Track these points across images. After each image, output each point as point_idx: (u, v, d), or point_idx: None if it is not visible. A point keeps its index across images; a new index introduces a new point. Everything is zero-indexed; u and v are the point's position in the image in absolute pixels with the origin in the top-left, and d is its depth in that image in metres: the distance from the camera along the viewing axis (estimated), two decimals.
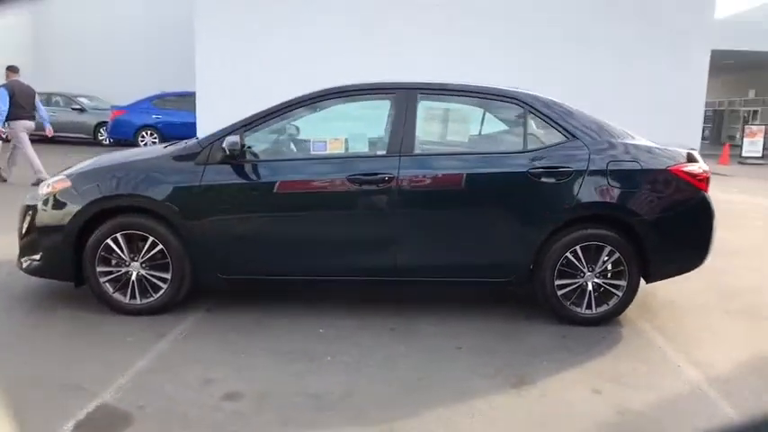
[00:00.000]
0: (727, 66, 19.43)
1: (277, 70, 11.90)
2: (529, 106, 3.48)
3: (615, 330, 3.45)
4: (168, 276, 3.38)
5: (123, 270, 3.40)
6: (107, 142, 14.63)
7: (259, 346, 3.11)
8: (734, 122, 24.97)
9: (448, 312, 3.62)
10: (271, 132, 3.56)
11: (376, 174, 3.30)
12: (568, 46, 11.53)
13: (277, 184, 3.33)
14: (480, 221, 3.41)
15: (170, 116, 13.45)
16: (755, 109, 23.31)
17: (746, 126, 18.13)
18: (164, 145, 3.97)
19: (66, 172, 3.54)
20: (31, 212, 3.53)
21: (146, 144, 13.39)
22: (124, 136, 13.62)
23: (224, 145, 3.24)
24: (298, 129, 3.63)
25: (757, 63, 19.74)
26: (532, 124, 3.49)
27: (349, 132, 3.54)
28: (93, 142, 14.77)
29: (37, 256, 3.48)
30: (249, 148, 3.36)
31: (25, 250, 3.56)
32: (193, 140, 3.51)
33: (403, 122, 3.38)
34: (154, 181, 3.34)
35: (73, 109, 14.82)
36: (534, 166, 3.34)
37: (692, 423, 2.48)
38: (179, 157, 3.40)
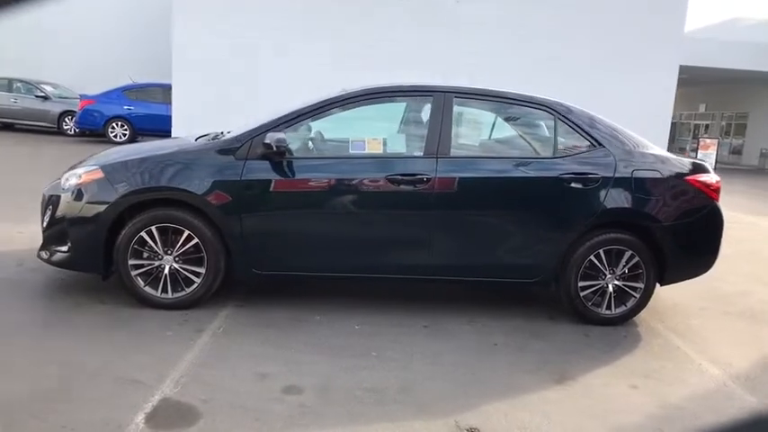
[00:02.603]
0: (680, 80, 20.44)
1: (256, 63, 11.77)
2: (558, 113, 3.63)
3: (633, 330, 3.64)
4: (202, 271, 3.36)
5: (156, 263, 3.35)
6: (72, 132, 14.12)
7: (300, 341, 3.13)
8: (684, 134, 26.24)
9: (475, 311, 3.72)
10: (308, 130, 3.58)
11: (414, 174, 3.37)
12: (539, 64, 11.75)
13: (318, 181, 3.36)
14: (512, 224, 3.53)
15: (142, 108, 13.08)
16: (706, 123, 24.58)
17: (701, 138, 19.12)
18: (194, 137, 3.93)
19: (96, 162, 3.45)
20: (55, 203, 3.44)
21: (115, 136, 13.01)
22: (93, 126, 13.17)
23: (269, 141, 3.24)
24: (333, 128, 3.65)
25: (708, 79, 20.80)
26: (561, 131, 3.64)
27: (385, 133, 3.60)
28: (56, 132, 14.22)
29: (64, 248, 3.39)
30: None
31: (50, 241, 3.46)
32: (232, 134, 3.48)
33: (439, 125, 3.47)
34: (193, 174, 3.31)
35: (36, 96, 14.21)
36: (565, 171, 3.49)
37: (728, 416, 2.67)
38: (219, 152, 3.37)
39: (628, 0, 12.04)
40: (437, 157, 3.42)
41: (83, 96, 13.26)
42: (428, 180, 3.37)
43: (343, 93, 3.54)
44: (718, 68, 17.98)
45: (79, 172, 3.42)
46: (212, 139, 3.73)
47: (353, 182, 3.38)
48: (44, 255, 3.49)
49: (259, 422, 2.33)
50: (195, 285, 3.38)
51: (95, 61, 16.32)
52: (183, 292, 3.38)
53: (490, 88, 3.67)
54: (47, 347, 2.88)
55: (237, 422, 2.32)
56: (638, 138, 3.76)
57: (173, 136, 11.43)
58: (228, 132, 4.06)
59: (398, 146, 3.57)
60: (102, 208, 3.29)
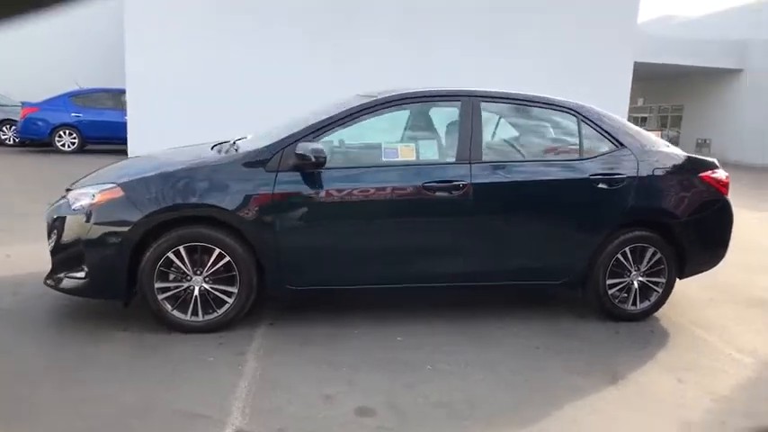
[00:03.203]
0: None
1: (214, 67, 11.38)
2: (581, 115, 3.68)
3: (657, 325, 3.74)
4: (234, 290, 3.20)
5: (185, 285, 3.17)
6: (12, 142, 13.23)
7: (348, 357, 3.03)
8: None
9: (500, 315, 3.73)
10: (338, 138, 3.47)
11: (451, 181, 3.34)
12: (493, 54, 11.90)
13: (353, 191, 3.27)
14: (544, 226, 3.56)
15: (92, 114, 12.40)
16: (644, 116, 25.78)
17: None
18: (209, 146, 3.74)
19: (113, 180, 3.22)
20: (61, 226, 3.20)
21: (63, 145, 12.29)
22: (37, 136, 12.37)
23: (302, 151, 3.12)
24: (361, 135, 3.56)
25: (646, 74, 21.82)
26: (584, 132, 3.69)
27: (414, 139, 3.54)
28: None
29: (80, 274, 3.15)
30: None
31: (61, 267, 3.21)
32: (260, 146, 3.33)
33: (470, 130, 3.45)
34: (223, 189, 3.15)
35: None
36: (593, 172, 3.54)
37: None
38: (248, 164, 3.22)
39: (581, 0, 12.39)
40: (470, 163, 3.40)
41: (25, 104, 12.43)
42: (464, 186, 3.34)
43: (371, 99, 3.45)
44: (656, 64, 18.87)
45: (92, 191, 3.18)
46: (228, 149, 3.59)
47: (389, 191, 3.31)
48: (53, 282, 3.24)
49: None
50: (227, 306, 3.21)
51: (37, 65, 15.35)
52: (215, 314, 3.21)
53: (513, 91, 3.68)
54: (79, 385, 2.65)
55: None
56: (653, 136, 3.87)
57: (130, 152, 10.94)
58: (237, 141, 3.95)
59: (430, 152, 3.52)
60: (124, 229, 3.07)
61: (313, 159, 3.10)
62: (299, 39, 11.53)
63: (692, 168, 3.80)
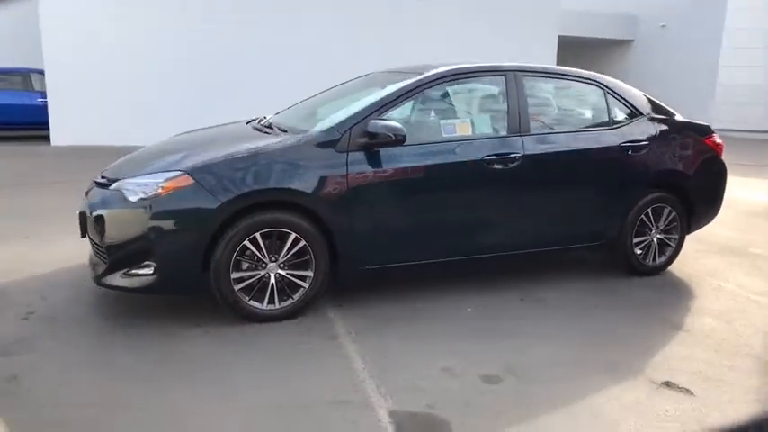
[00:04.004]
0: None
1: (144, 49, 10.57)
2: (605, 86, 3.94)
3: (677, 278, 4.12)
4: (310, 274, 3.13)
5: (261, 273, 3.05)
6: None
7: (439, 330, 3.12)
8: None
9: (549, 279, 3.92)
10: (399, 115, 3.45)
11: (507, 154, 3.46)
12: (411, 31, 11.93)
13: (423, 167, 3.29)
14: (587, 193, 3.80)
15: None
16: None
17: None
18: (244, 122, 3.58)
19: (179, 167, 3.00)
20: (121, 219, 2.96)
21: None
22: None
23: (376, 130, 3.09)
24: (420, 112, 3.56)
25: (565, 46, 23.06)
26: (611, 103, 3.95)
27: (466, 114, 3.61)
28: None
29: (147, 270, 2.93)
30: None
31: (119, 265, 2.97)
32: (326, 126, 3.24)
33: (517, 103, 3.58)
34: (297, 172, 3.05)
35: None
36: (623, 140, 3.82)
37: None
38: (319, 145, 3.13)
39: None
40: (521, 135, 3.53)
41: None
42: (518, 158, 3.47)
43: (423, 77, 3.46)
44: (575, 36, 20.00)
45: (156, 181, 2.95)
46: (258, 124, 3.64)
47: (454, 165, 3.37)
48: (112, 281, 2.99)
49: (499, 419, 2.33)
50: (302, 291, 3.14)
51: None
52: (290, 301, 3.13)
53: (547, 65, 3.84)
54: (200, 386, 2.51)
55: (489, 425, 2.30)
56: (664, 105, 4.21)
57: (54, 140, 9.96)
58: (267, 118, 3.87)
59: (484, 127, 3.60)
60: (200, 218, 2.90)
61: (393, 137, 3.08)
62: (226, 24, 10.89)
63: (697, 133, 4.19)
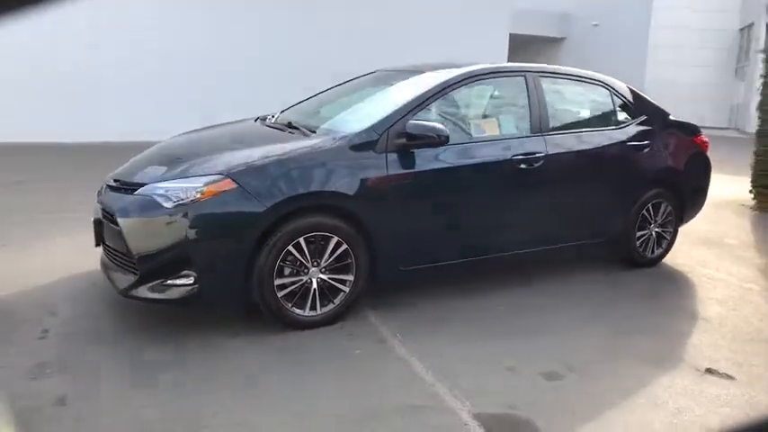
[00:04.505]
0: None
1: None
2: (611, 88, 4.09)
3: (673, 270, 4.36)
4: (351, 278, 3.08)
5: (303, 279, 2.96)
6: None
7: (485, 330, 3.15)
8: None
9: (562, 275, 4.04)
10: (431, 115, 3.43)
11: (533, 153, 3.53)
12: (368, 37, 11.78)
13: (458, 167, 3.30)
14: (600, 190, 3.94)
15: None
16: None
17: None
18: (254, 119, 3.48)
19: (219, 170, 2.85)
20: (152, 226, 2.79)
21: None
22: None
23: (417, 131, 3.07)
24: (454, 112, 3.55)
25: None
26: (616, 103, 4.11)
27: (492, 114, 3.65)
28: None
29: (185, 280, 2.78)
30: None
31: (152, 276, 2.80)
32: (363, 126, 3.17)
33: (537, 104, 3.66)
34: (339, 174, 2.98)
35: None
36: (630, 139, 3.99)
37: None
38: (357, 146, 3.07)
39: None
40: (543, 135, 3.61)
41: None
42: (541, 157, 3.55)
43: (449, 78, 3.47)
44: (512, 34, 20.50)
45: (193, 185, 2.79)
46: (275, 123, 3.64)
47: (487, 165, 3.41)
48: (144, 293, 2.81)
49: (575, 415, 2.39)
50: (343, 295, 3.08)
51: None
52: (332, 306, 3.06)
53: (557, 67, 3.94)
54: (259, 403, 2.40)
55: (571, 422, 2.35)
56: (658, 104, 4.43)
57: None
58: (276, 116, 3.79)
59: (509, 127, 3.65)
60: (245, 223, 2.78)
61: (436, 137, 3.07)
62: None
63: (689, 132, 4.44)
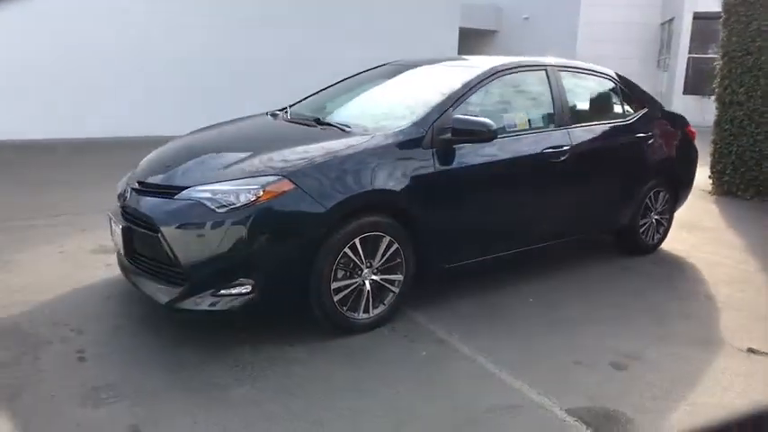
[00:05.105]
0: None
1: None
2: (618, 81, 4.22)
3: (667, 252, 4.58)
4: (400, 278, 3.01)
5: (357, 281, 2.86)
6: None
7: (530, 323, 3.17)
8: None
9: (564, 264, 4.14)
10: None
11: (561, 146, 3.58)
12: (311, 29, 11.49)
13: (500, 161, 3.29)
14: (616, 181, 4.06)
15: None
16: None
17: None
18: (267, 113, 3.40)
19: (274, 170, 2.68)
20: (202, 232, 2.60)
21: None
22: None
23: (466, 126, 3.03)
24: (486, 106, 3.51)
25: None
26: (624, 96, 4.25)
27: (516, 108, 3.65)
28: None
29: (242, 289, 2.61)
30: None
31: (203, 286, 2.61)
32: (409, 122, 3.09)
33: (560, 98, 3.72)
34: (392, 172, 2.89)
35: None
36: (638, 131, 4.14)
37: None
38: (404, 143, 2.98)
39: None
40: (567, 129, 3.67)
41: None
42: (567, 150, 3.61)
43: (484, 69, 3.46)
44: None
45: (249, 187, 2.61)
46: (301, 119, 3.54)
47: (523, 158, 3.42)
48: (194, 305, 2.61)
49: (659, 400, 2.46)
50: (392, 296, 3.01)
51: None
52: (382, 307, 2.98)
53: (569, 60, 4.02)
54: (354, 418, 2.30)
55: (662, 408, 2.40)
56: (654, 97, 4.62)
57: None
58: (286, 111, 3.73)
59: (537, 120, 3.67)
60: (307, 226, 2.64)
61: (486, 131, 3.03)
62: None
63: (681, 124, 4.66)
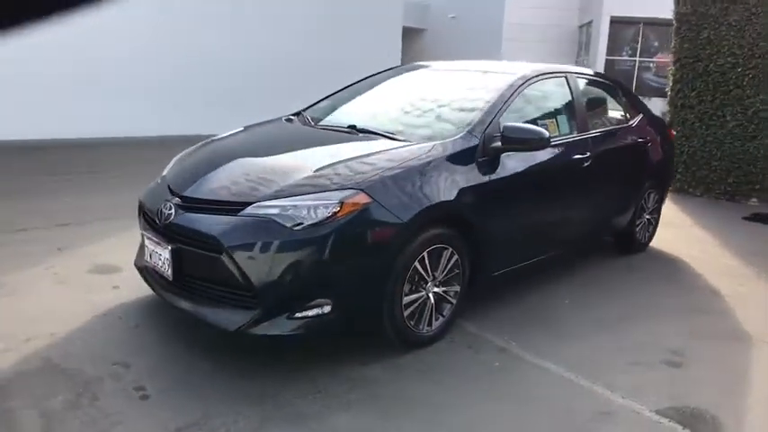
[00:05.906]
0: None
1: None
2: (619, 87, 4.43)
3: (658, 249, 4.86)
4: (457, 288, 2.99)
5: (422, 294, 2.81)
6: None
7: (568, 327, 3.25)
8: None
9: (571, 263, 4.30)
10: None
11: (584, 152, 3.70)
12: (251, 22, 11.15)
13: (543, 167, 3.35)
14: (624, 185, 4.25)
15: None
16: None
17: None
18: (283, 118, 3.43)
19: (352, 183, 2.56)
20: (273, 251, 2.45)
21: None
22: None
23: (526, 134, 3.04)
24: (519, 113, 3.53)
25: None
26: (624, 102, 4.45)
27: (545, 115, 3.72)
28: None
29: (320, 310, 2.48)
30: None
31: (280, 308, 2.45)
32: (463, 131, 3.05)
33: (580, 105, 3.84)
34: (454, 184, 2.85)
35: None
36: (639, 136, 4.35)
37: None
38: (462, 152, 2.95)
39: None
40: (588, 135, 3.80)
41: None
42: (590, 156, 3.74)
43: (517, 76, 3.50)
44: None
45: (325, 202, 2.47)
46: (330, 126, 3.46)
47: (560, 164, 3.52)
48: (268, 329, 2.45)
49: (727, 394, 2.60)
50: (451, 307, 2.98)
51: None
52: (442, 319, 2.95)
53: (581, 68, 4.15)
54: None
55: (742, 403, 2.54)
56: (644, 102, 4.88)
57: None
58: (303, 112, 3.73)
59: (564, 127, 3.74)
60: (387, 241, 2.55)
61: (538, 140, 3.06)
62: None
63: (664, 126, 4.97)
